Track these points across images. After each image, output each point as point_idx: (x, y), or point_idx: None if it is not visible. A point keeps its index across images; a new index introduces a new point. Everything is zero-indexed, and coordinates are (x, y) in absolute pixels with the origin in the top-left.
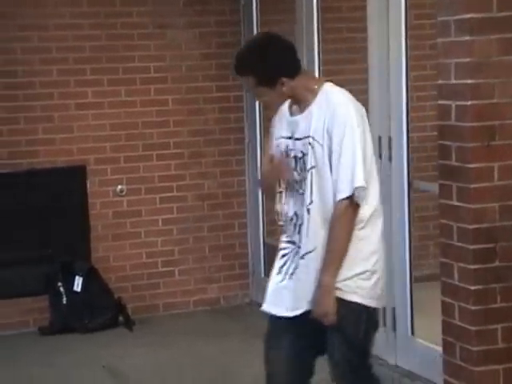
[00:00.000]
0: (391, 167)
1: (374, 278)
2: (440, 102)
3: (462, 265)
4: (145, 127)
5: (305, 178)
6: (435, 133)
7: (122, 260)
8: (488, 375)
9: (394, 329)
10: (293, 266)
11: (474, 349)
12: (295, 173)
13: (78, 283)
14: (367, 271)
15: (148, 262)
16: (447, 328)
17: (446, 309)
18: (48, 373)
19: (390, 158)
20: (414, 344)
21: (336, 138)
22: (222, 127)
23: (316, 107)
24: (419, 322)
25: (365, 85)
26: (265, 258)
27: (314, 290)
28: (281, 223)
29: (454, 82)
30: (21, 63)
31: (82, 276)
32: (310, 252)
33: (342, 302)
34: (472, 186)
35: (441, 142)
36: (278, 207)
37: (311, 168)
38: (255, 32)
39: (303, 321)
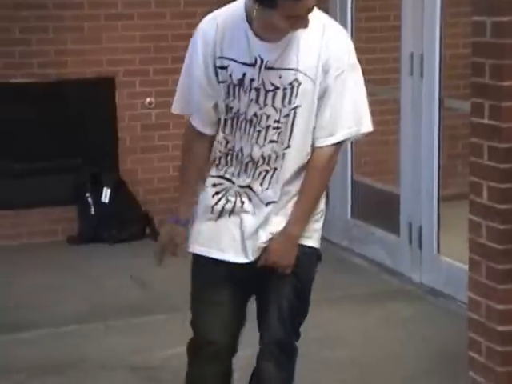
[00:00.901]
0: (422, 84)
1: (323, 217)
2: (475, 18)
3: (491, 184)
4: (174, 40)
5: (267, 115)
6: (468, 50)
7: (149, 173)
8: None
9: (420, 246)
10: (230, 205)
11: (500, 267)
12: (256, 106)
13: (106, 194)
14: (321, 211)
15: (175, 175)
16: (474, 246)
17: (474, 227)
18: (76, 281)
19: (421, 75)
20: (439, 261)
21: (334, 73)
22: None
23: (304, 35)
24: (445, 239)
25: None
26: None
27: (277, 238)
28: (218, 154)
29: None
30: None
31: (109, 187)
32: (275, 202)
33: (300, 249)
34: (504, 104)
35: (474, 59)
36: (221, 136)
37: (295, 108)
38: None
39: (244, 266)
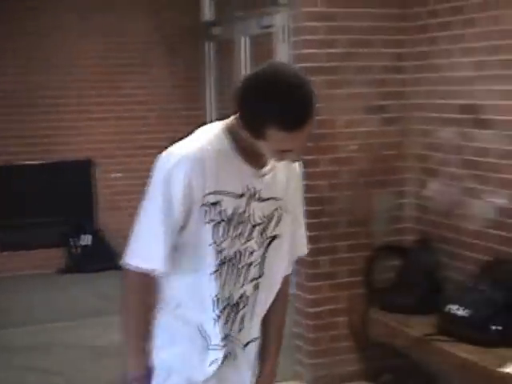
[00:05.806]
0: None
1: None
2: None
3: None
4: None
5: (250, 251)
6: None
7: (119, 224)
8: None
9: None
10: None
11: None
12: (238, 241)
13: (86, 239)
14: None
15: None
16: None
17: None
18: (59, 296)
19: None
20: None
21: (299, 198)
22: None
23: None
24: None
25: None
26: None
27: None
28: (217, 313)
29: None
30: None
31: (90, 234)
32: (256, 339)
33: None
34: None
35: None
36: (223, 291)
37: (273, 238)
38: None
39: None
